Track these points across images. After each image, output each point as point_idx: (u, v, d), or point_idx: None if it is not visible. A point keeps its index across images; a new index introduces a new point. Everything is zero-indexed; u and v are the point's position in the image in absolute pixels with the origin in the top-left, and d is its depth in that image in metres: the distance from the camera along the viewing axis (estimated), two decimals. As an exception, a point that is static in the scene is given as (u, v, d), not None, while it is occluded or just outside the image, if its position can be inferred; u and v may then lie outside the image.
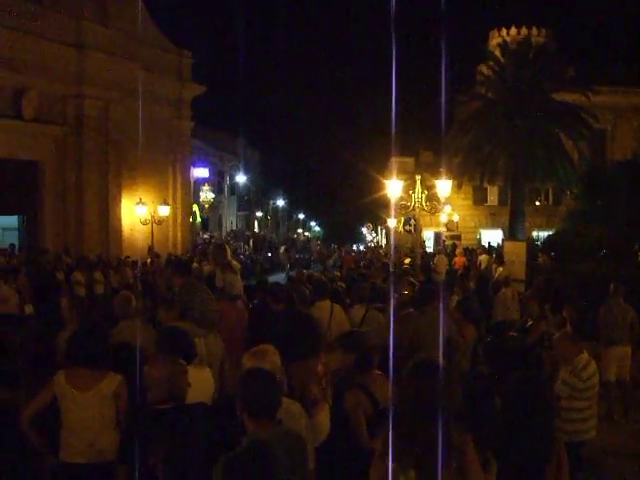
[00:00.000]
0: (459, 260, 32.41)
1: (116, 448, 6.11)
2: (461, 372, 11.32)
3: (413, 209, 23.96)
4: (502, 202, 55.36)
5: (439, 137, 47.04)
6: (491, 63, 41.26)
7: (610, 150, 58.61)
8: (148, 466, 5.48)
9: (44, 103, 32.18)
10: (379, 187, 37.81)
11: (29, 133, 31.91)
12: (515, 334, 12.88)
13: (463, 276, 19.77)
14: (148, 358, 6.30)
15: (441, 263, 30.48)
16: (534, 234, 50.89)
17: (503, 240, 33.87)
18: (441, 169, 30.79)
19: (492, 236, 56.60)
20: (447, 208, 42.68)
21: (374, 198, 48.67)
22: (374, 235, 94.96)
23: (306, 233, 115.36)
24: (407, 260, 29.92)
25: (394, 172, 27.39)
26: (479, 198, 59.94)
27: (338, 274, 23.67)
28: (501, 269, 23.32)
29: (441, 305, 11.76)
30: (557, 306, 15.16)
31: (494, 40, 58.40)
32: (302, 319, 8.68)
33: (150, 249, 35.25)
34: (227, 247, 12.59)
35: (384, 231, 79.99)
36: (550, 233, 40.72)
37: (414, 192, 23.57)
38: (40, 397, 6.69)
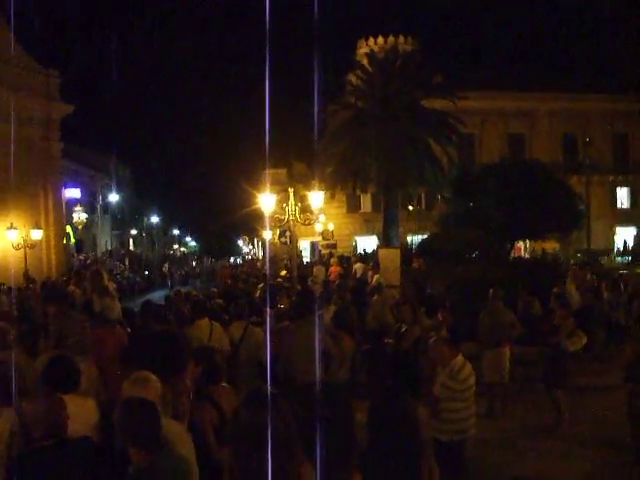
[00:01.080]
0: (334, 269, 32.59)
1: None
2: (340, 382, 11.53)
3: (287, 221, 24.04)
4: (376, 209, 56.06)
5: (311, 148, 47.23)
6: (359, 72, 41.62)
7: (479, 153, 60.15)
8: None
9: None
10: (254, 200, 37.81)
11: None
12: (390, 340, 13.15)
13: (340, 286, 19.94)
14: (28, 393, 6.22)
15: (319, 273, 30.67)
16: (408, 239, 51.65)
17: (377, 247, 34.26)
18: (313, 181, 30.95)
19: (367, 243, 57.37)
20: (322, 217, 42.97)
21: (249, 210, 48.61)
22: (251, 247, 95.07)
23: (182, 249, 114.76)
24: (283, 272, 30.03)
25: (267, 185, 27.46)
26: (353, 206, 60.65)
27: (215, 290, 23.62)
28: (377, 276, 23.63)
29: (317, 317, 11.91)
30: (431, 310, 15.50)
31: (362, 49, 59.19)
32: (169, 338, 8.71)
33: (25, 274, 34.54)
34: (103, 272, 12.46)
35: (260, 243, 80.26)
36: (424, 237, 41.37)
37: (287, 205, 23.67)
38: None
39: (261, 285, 20.33)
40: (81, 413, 6.52)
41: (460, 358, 9.26)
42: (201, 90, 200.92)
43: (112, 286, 12.36)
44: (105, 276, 12.27)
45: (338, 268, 32.94)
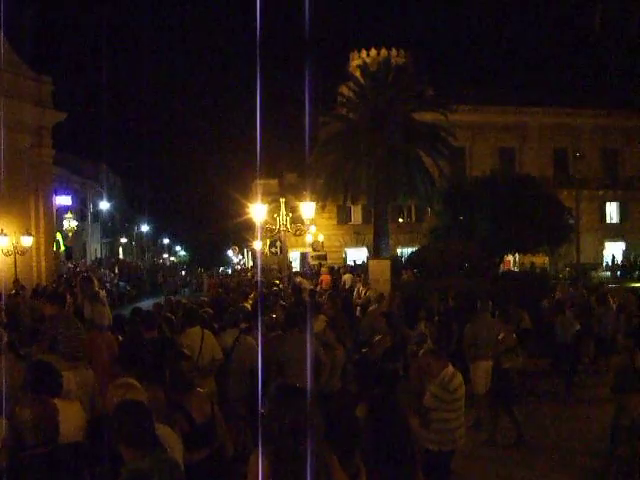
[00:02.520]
0: (325, 278, 32.61)
1: None
2: (332, 391, 11.62)
3: (278, 232, 24.12)
4: (366, 220, 56.25)
5: (303, 159, 47.34)
6: (351, 84, 41.71)
7: (469, 166, 60.26)
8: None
9: None
10: (244, 210, 37.80)
11: None
12: (364, 350, 13.26)
13: (332, 296, 19.99)
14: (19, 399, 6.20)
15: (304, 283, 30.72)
16: (398, 251, 51.80)
17: (368, 259, 34.33)
18: (305, 191, 30.99)
19: (357, 254, 57.50)
20: (312, 228, 43.00)
21: (240, 220, 48.59)
22: (240, 257, 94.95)
23: (172, 258, 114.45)
24: (277, 281, 30.03)
25: (259, 196, 27.57)
26: (343, 217, 60.70)
27: (204, 299, 23.59)
28: (363, 289, 23.77)
29: (308, 327, 12.00)
30: (413, 321, 15.67)
31: (354, 61, 59.51)
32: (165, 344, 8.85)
33: (16, 281, 34.55)
34: (94, 278, 12.46)
35: (250, 253, 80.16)
36: (413, 249, 41.45)
37: (279, 215, 23.76)
38: None
39: (252, 294, 20.30)
40: (69, 417, 6.52)
41: (450, 368, 9.32)
42: (193, 100, 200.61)
43: (102, 293, 12.35)
44: (96, 282, 12.25)
45: (328, 277, 32.96)
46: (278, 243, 30.59)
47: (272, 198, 47.65)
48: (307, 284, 29.69)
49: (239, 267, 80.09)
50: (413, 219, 58.87)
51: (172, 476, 5.29)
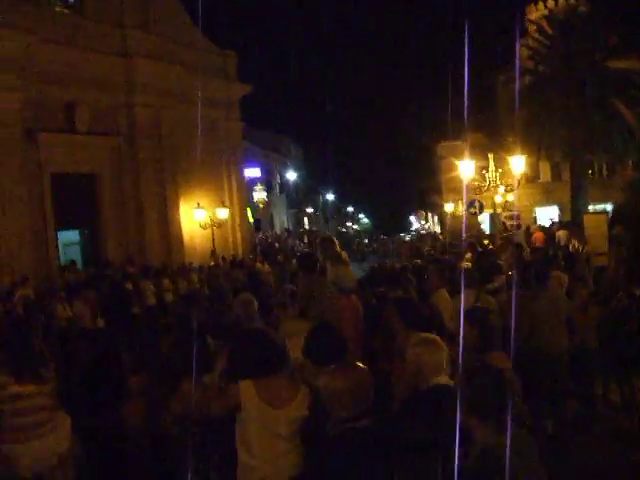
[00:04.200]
0: (538, 235, 31.54)
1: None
2: (587, 350, 10.99)
3: (488, 189, 23.46)
4: (555, 178, 54.74)
5: (485, 119, 46.09)
6: (538, 36, 40.33)
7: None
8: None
9: (96, 115, 31.79)
10: (430, 172, 36.93)
11: (84, 146, 31.53)
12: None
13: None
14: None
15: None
16: (590, 208, 50.12)
17: (582, 214, 33.02)
18: (513, 144, 29.96)
19: (547, 213, 55.82)
20: (501, 188, 42.03)
21: (423, 185, 47.78)
22: (422, 223, 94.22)
23: (354, 226, 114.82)
24: (486, 241, 29.19)
25: (466, 153, 26.78)
26: (532, 175, 59.09)
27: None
28: (578, 244, 22.78)
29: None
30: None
31: (534, 14, 57.46)
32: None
33: (213, 252, 35.10)
34: (335, 239, 11.99)
35: (435, 218, 79.28)
36: (606, 206, 40.10)
37: (487, 171, 23.09)
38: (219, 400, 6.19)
39: (468, 254, 19.58)
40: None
41: None
42: (374, 70, 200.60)
43: (345, 254, 11.82)
44: (337, 243, 11.71)
45: (541, 234, 31.92)
46: (476, 203, 29.69)
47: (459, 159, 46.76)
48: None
49: (423, 232, 79.16)
50: (605, 174, 56.71)
51: (529, 457, 4.64)
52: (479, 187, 24.11)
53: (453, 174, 28.27)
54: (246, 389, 5.78)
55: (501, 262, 16.16)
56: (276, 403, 5.80)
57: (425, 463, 4.79)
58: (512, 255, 19.23)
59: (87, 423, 7.13)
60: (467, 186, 24.31)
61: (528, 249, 23.12)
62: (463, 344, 6.61)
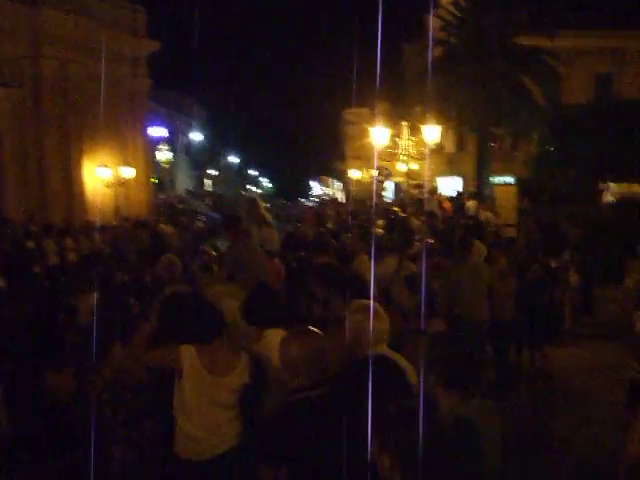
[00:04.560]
0: (447, 204, 31.66)
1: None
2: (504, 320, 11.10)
3: (398, 157, 23.55)
4: (459, 148, 55.33)
5: (396, 88, 46.19)
6: (452, 8, 40.41)
7: (564, 94, 58.43)
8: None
9: (-2, 65, 30.92)
10: (335, 139, 36.93)
11: (-17, 97, 30.60)
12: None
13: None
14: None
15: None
16: (495, 180, 50.73)
17: (493, 185, 33.48)
18: (421, 114, 30.02)
19: (451, 184, 56.31)
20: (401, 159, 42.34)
21: (328, 151, 47.82)
22: (324, 189, 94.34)
23: (257, 190, 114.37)
24: (396, 209, 29.20)
25: (378, 119, 26.78)
26: (436, 146, 59.47)
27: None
28: (489, 214, 22.95)
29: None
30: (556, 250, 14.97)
31: (447, -14, 57.63)
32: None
33: (117, 212, 34.57)
34: (259, 200, 11.74)
35: (337, 184, 79.42)
36: (507, 179, 40.81)
37: (400, 139, 23.16)
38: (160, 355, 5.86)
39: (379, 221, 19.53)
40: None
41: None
42: (281, 34, 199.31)
43: (269, 216, 11.58)
44: (262, 204, 11.46)
45: (449, 203, 32.05)
46: (385, 170, 29.77)
47: (362, 127, 47.07)
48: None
49: (326, 197, 79.12)
50: (508, 147, 57.44)
51: (493, 428, 4.53)
52: (391, 154, 24.14)
53: (360, 141, 28.22)
54: (187, 354, 5.56)
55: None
56: (218, 370, 5.62)
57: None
58: (425, 223, 19.32)
59: (11, 389, 6.82)
60: (379, 153, 24.30)
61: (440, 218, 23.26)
62: (404, 311, 6.55)
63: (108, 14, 36.73)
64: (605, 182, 37.77)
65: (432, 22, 42.22)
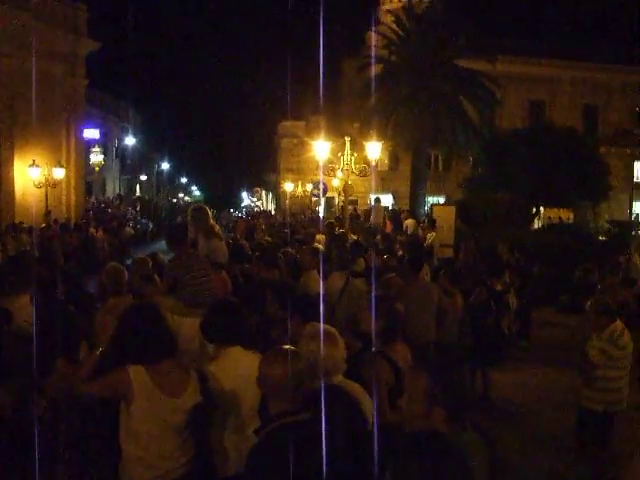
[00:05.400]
0: (388, 225, 31.67)
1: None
2: (451, 342, 10.98)
3: (336, 172, 23.53)
4: (393, 167, 55.98)
5: (327, 102, 46.31)
6: (394, 26, 40.48)
7: (500, 118, 59.12)
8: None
9: None
10: (269, 150, 36.89)
11: None
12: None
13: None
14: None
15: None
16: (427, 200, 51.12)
17: (432, 205, 33.65)
18: (371, 131, 30.04)
19: (383, 201, 56.51)
20: (339, 173, 42.27)
21: (261, 162, 47.83)
22: (254, 200, 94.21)
23: (186, 198, 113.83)
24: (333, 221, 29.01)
25: (322, 132, 26.68)
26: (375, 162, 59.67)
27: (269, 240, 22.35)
28: (432, 234, 22.92)
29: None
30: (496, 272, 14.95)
31: (386, 5, 57.90)
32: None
33: (48, 213, 33.93)
34: (207, 209, 11.34)
35: (269, 196, 79.25)
36: (440, 199, 41.23)
37: (342, 154, 23.14)
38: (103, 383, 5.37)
39: (319, 236, 19.20)
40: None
41: (619, 324, 8.65)
42: (218, 40, 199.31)
43: (217, 227, 11.23)
44: (209, 213, 11.09)
45: (389, 222, 32.01)
46: (320, 185, 29.69)
47: (298, 140, 46.99)
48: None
49: (257, 209, 78.97)
50: (440, 168, 57.88)
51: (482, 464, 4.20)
52: (333, 169, 24.09)
53: (294, 153, 28.14)
54: (137, 375, 5.18)
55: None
56: (171, 391, 5.26)
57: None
58: (366, 240, 19.24)
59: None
60: (318, 167, 24.34)
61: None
62: (369, 333, 6.36)
63: (48, 10, 36.08)
64: (537, 206, 38.21)
65: (373, 38, 42.56)
